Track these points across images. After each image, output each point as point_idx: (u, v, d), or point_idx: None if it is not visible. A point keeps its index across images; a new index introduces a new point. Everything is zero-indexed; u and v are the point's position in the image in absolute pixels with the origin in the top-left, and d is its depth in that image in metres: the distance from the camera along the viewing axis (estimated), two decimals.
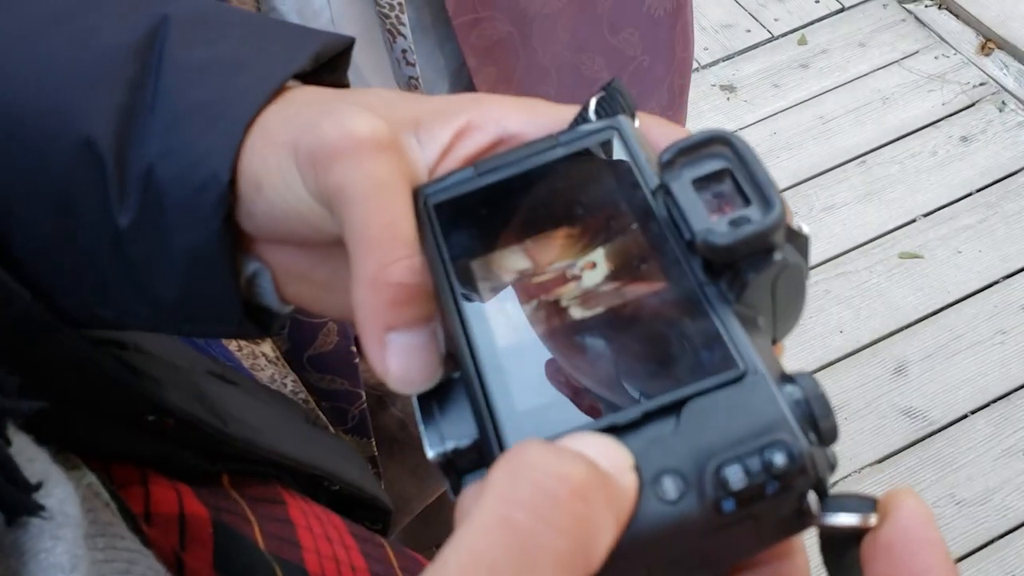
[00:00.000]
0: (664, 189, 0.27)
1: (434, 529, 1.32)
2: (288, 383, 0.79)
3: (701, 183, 0.27)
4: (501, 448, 0.24)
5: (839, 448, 0.24)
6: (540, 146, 0.31)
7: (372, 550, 0.55)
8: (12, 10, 0.34)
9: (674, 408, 0.24)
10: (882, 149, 2.25)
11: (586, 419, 0.24)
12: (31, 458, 0.31)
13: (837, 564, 0.25)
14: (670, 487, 0.22)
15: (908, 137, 2.26)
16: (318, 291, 0.35)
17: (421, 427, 0.27)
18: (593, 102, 0.32)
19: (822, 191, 2.19)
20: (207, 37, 0.34)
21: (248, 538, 0.47)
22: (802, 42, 2.49)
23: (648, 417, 0.24)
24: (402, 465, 1.02)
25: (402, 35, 0.71)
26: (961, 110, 2.30)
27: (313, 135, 0.30)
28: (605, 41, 0.87)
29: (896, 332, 1.95)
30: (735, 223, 0.25)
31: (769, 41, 2.51)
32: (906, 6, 2.53)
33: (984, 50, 2.41)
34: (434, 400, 0.27)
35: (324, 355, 0.80)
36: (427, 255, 0.28)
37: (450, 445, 0.26)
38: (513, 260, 0.29)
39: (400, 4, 0.69)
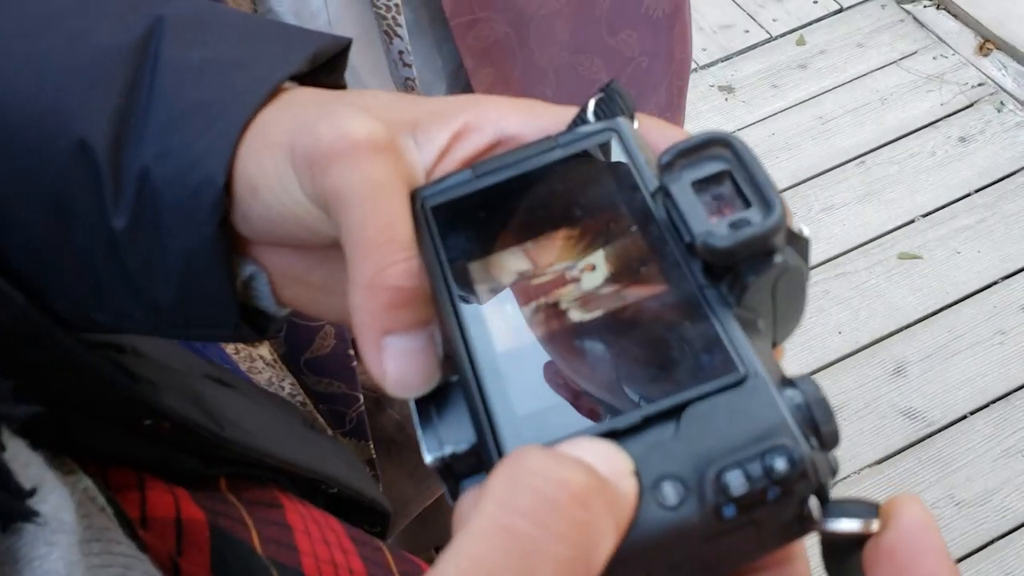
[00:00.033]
0: (663, 191, 0.27)
1: (433, 531, 1.32)
2: (285, 386, 0.79)
3: (701, 185, 0.27)
4: (500, 453, 0.24)
5: (838, 449, 0.23)
6: (538, 148, 0.30)
7: (370, 553, 0.55)
8: (4, 11, 0.34)
9: (674, 412, 0.23)
10: (881, 149, 2.25)
11: (585, 424, 0.24)
12: (26, 463, 0.31)
13: (839, 570, 0.24)
14: (670, 492, 0.22)
15: (907, 137, 2.26)
16: (315, 294, 0.35)
17: (419, 432, 0.27)
18: (592, 104, 0.31)
19: (821, 192, 2.19)
20: (203, 38, 0.34)
21: (245, 542, 0.47)
22: (800, 43, 2.49)
23: (648, 422, 0.23)
24: (400, 467, 1.02)
25: (399, 36, 0.71)
26: (960, 110, 2.30)
27: (310, 137, 0.30)
28: (603, 42, 0.87)
29: (895, 333, 1.95)
30: (735, 225, 0.25)
31: (767, 42, 2.51)
32: (904, 6, 2.53)
33: (982, 50, 2.41)
34: (432, 404, 0.27)
35: (321, 358, 0.80)
36: (424, 258, 0.28)
37: (448, 450, 0.26)
38: (511, 262, 0.28)
39: (397, 5, 0.69)
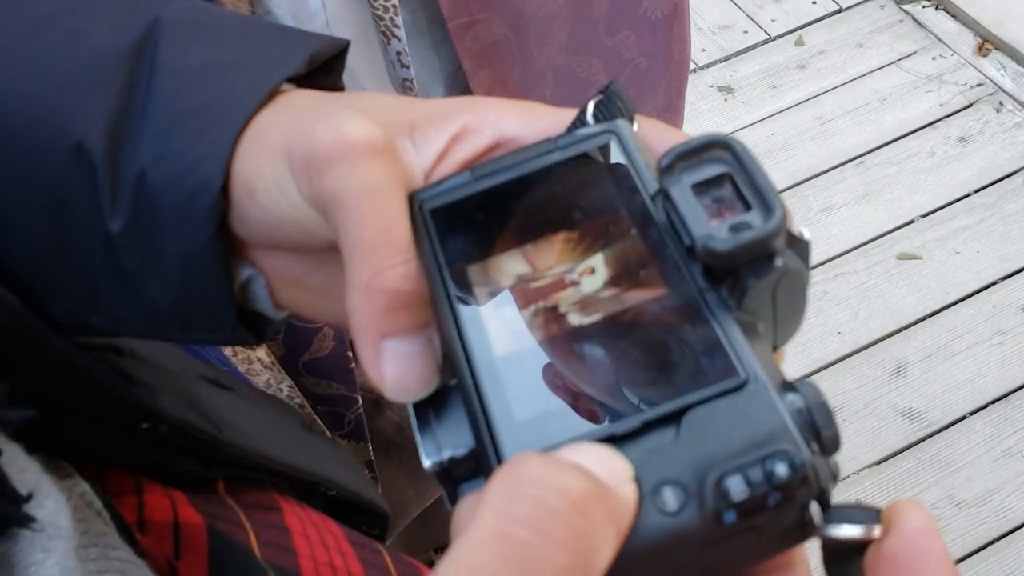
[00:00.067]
0: (663, 194, 0.27)
1: (432, 532, 1.32)
2: (284, 388, 0.79)
3: (701, 188, 0.26)
4: (499, 459, 0.24)
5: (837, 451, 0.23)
6: (537, 150, 0.30)
7: (369, 556, 0.55)
8: None
9: (674, 417, 0.23)
10: (880, 150, 2.25)
11: (584, 429, 0.24)
12: (22, 468, 0.31)
13: (840, 575, 0.24)
14: (670, 498, 0.22)
15: (906, 138, 2.26)
16: (313, 297, 0.35)
17: (417, 436, 0.27)
18: (591, 106, 0.31)
19: (820, 192, 2.18)
20: (200, 40, 0.34)
21: (243, 546, 0.47)
22: (799, 43, 2.49)
23: (648, 427, 0.23)
24: (399, 468, 1.02)
25: (396, 37, 0.71)
26: (959, 111, 2.30)
27: (307, 139, 0.29)
28: (602, 43, 0.86)
29: (895, 333, 1.95)
30: (735, 229, 0.25)
31: (766, 42, 2.51)
32: (903, 7, 2.53)
33: (981, 51, 2.41)
34: (430, 408, 0.27)
35: (320, 360, 0.80)
36: (423, 261, 0.28)
37: (447, 454, 0.26)
38: (510, 265, 0.28)
39: (395, 6, 0.69)
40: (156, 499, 0.45)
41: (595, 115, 0.31)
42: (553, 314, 0.27)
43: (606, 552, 0.21)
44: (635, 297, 0.26)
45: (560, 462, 0.21)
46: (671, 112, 0.99)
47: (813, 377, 1.88)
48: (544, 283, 0.27)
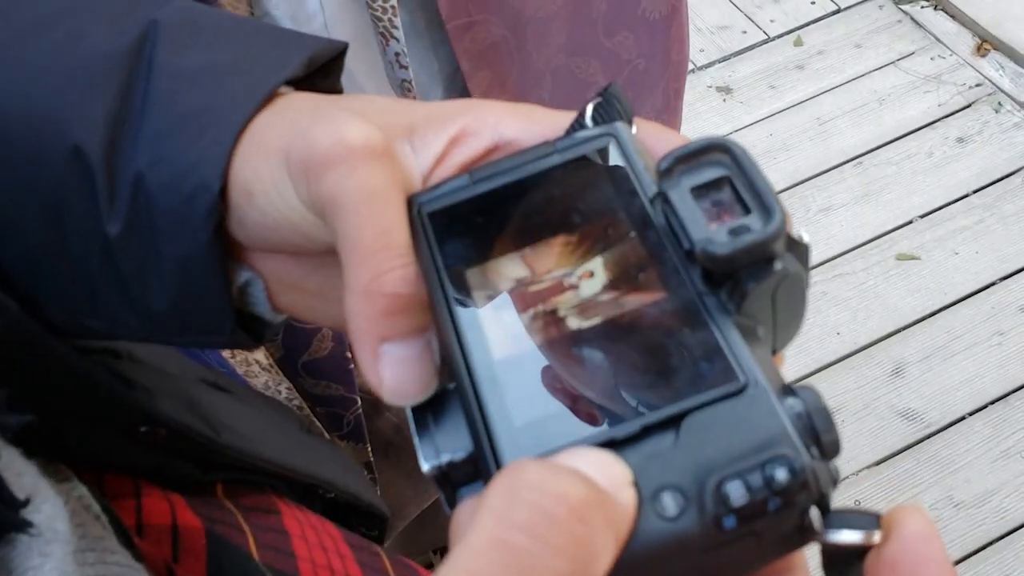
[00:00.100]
0: (662, 197, 0.27)
1: (431, 532, 1.32)
2: (282, 390, 0.79)
3: (700, 191, 0.26)
4: (497, 463, 0.24)
5: None
6: (536, 153, 0.30)
7: (368, 559, 0.55)
8: None
9: (674, 422, 0.23)
10: (879, 150, 2.25)
11: (583, 433, 0.24)
12: (19, 472, 0.31)
13: None
14: (670, 503, 0.22)
15: (905, 138, 2.26)
16: (311, 300, 0.34)
17: (416, 440, 0.27)
18: (590, 108, 0.31)
19: (819, 192, 2.18)
20: (198, 42, 0.34)
21: (242, 549, 0.47)
22: (798, 43, 2.49)
23: (647, 431, 0.23)
24: (398, 469, 1.02)
25: (395, 38, 0.71)
26: (957, 111, 2.30)
27: (305, 142, 0.29)
28: (600, 44, 0.86)
29: (893, 334, 1.95)
30: (735, 232, 0.25)
31: (765, 43, 2.51)
32: (902, 7, 2.53)
33: (980, 51, 2.41)
34: (429, 412, 0.27)
35: (319, 361, 0.80)
36: (421, 264, 0.28)
37: (446, 458, 0.26)
38: (509, 269, 0.28)
39: (393, 7, 0.68)
40: (154, 502, 0.45)
41: (594, 118, 0.31)
42: (552, 318, 0.27)
43: (605, 558, 0.21)
44: (634, 301, 0.26)
45: (559, 467, 0.21)
46: (669, 113, 0.99)
47: (812, 378, 1.88)
48: (543, 286, 0.27)
